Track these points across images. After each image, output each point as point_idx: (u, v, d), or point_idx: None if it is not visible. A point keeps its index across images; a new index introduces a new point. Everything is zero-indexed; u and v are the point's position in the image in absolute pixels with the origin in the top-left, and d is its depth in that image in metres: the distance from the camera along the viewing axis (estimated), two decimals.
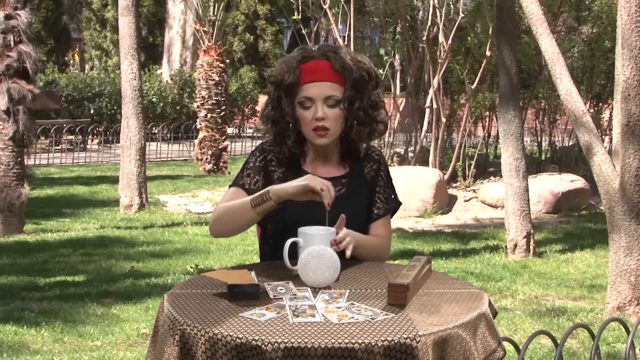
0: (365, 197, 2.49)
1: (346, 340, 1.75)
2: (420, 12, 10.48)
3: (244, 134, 18.59)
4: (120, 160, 9.12)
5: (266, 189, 2.28)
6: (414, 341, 1.77)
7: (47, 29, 24.27)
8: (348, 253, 2.27)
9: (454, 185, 10.08)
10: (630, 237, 4.92)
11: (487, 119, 11.89)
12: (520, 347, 2.82)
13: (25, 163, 7.79)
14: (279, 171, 2.45)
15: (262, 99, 18.41)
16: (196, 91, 13.35)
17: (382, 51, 10.51)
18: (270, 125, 2.45)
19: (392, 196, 2.56)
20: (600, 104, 11.82)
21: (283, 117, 2.41)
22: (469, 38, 10.16)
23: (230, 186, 2.47)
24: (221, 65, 12.94)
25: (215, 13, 12.81)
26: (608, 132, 10.93)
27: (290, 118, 2.40)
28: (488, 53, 9.64)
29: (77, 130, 15.44)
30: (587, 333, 3.39)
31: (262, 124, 2.49)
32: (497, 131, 8.83)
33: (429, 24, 9.76)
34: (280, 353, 1.73)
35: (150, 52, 24.28)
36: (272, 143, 2.48)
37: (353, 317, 1.89)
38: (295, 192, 2.24)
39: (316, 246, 2.15)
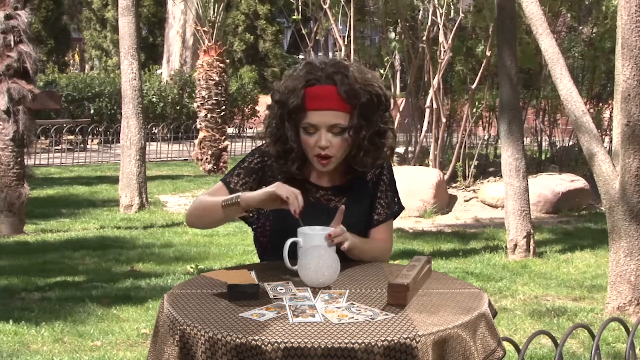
0: (366, 206, 2.45)
1: (346, 340, 1.75)
2: (420, 12, 10.47)
3: (244, 134, 18.59)
4: (120, 160, 9.12)
5: (237, 194, 2.26)
6: (414, 341, 1.77)
7: (47, 29, 24.28)
8: (345, 245, 2.24)
9: (454, 185, 10.07)
10: (630, 237, 4.92)
11: (487, 119, 11.89)
12: (520, 347, 2.82)
13: (25, 163, 7.79)
14: (279, 178, 2.37)
15: (262, 99, 18.42)
16: (196, 91, 13.36)
17: (382, 51, 10.51)
18: (274, 144, 2.38)
19: (395, 199, 2.51)
20: (600, 104, 11.82)
21: (286, 139, 2.34)
22: (472, 38, 10.16)
23: (220, 180, 2.44)
24: (221, 65, 12.94)
25: (215, 13, 12.81)
26: (608, 132, 10.93)
27: (294, 143, 2.32)
28: (488, 53, 9.64)
29: (77, 130, 15.44)
30: (587, 333, 3.39)
31: (267, 138, 2.40)
32: (497, 131, 8.83)
33: (429, 24, 9.76)
34: (280, 353, 1.73)
35: (150, 52, 24.29)
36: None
37: (353, 317, 1.89)
38: (262, 199, 2.22)
39: (316, 246, 2.15)
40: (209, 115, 12.86)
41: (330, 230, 2.23)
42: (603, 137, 10.39)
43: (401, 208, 2.54)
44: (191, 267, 6.18)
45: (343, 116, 2.29)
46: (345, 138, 2.30)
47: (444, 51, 9.67)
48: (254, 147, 2.52)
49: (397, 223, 8.25)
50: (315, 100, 2.28)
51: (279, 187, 2.20)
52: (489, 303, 2.09)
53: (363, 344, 1.74)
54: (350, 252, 2.31)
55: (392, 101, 2.55)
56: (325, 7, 9.83)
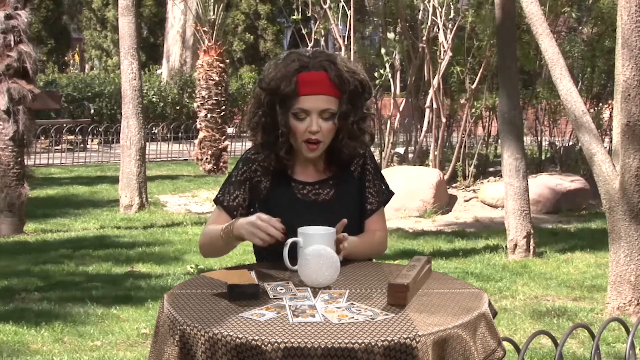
0: (355, 196, 2.47)
1: (346, 340, 1.75)
2: (420, 12, 10.47)
3: (244, 134, 18.57)
4: (120, 160, 9.12)
5: (232, 222, 2.30)
6: (414, 341, 1.77)
7: (47, 29, 24.27)
8: (340, 256, 2.26)
9: (454, 185, 10.08)
10: (630, 237, 4.91)
11: (487, 119, 11.88)
12: (520, 347, 2.82)
13: (25, 163, 7.79)
14: (265, 181, 2.42)
15: None
16: (196, 91, 13.36)
17: (382, 51, 10.51)
18: (261, 133, 2.40)
19: (383, 187, 2.54)
20: (600, 104, 11.81)
21: (276, 125, 2.36)
22: (471, 38, 10.15)
23: (214, 200, 2.49)
24: (221, 65, 12.94)
25: (215, 13, 12.81)
26: (608, 132, 10.92)
27: (285, 127, 2.35)
28: (488, 53, 9.64)
29: (77, 130, 15.44)
30: (587, 333, 3.39)
31: (251, 130, 2.43)
32: (497, 131, 8.83)
33: (429, 23, 9.76)
34: (280, 353, 1.73)
35: (150, 52, 24.28)
36: (257, 151, 2.44)
37: (353, 317, 1.89)
38: (247, 238, 2.27)
39: (316, 246, 2.15)
40: (209, 115, 12.86)
41: (331, 230, 2.24)
42: (603, 137, 10.39)
43: (391, 193, 2.56)
44: (191, 267, 6.18)
45: (334, 101, 2.34)
46: (334, 123, 2.35)
47: (444, 51, 9.67)
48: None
49: (397, 223, 8.26)
50: (308, 86, 2.32)
51: (250, 235, 2.23)
52: (489, 303, 2.09)
53: (363, 344, 1.74)
54: (351, 255, 2.34)
55: (372, 90, 2.63)
56: (325, 7, 9.82)
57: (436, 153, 10.06)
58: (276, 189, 2.41)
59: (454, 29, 9.62)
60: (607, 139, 10.72)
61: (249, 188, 2.43)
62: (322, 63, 2.34)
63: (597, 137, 5.22)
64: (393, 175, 9.01)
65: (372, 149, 11.04)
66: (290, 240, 2.22)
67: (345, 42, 9.90)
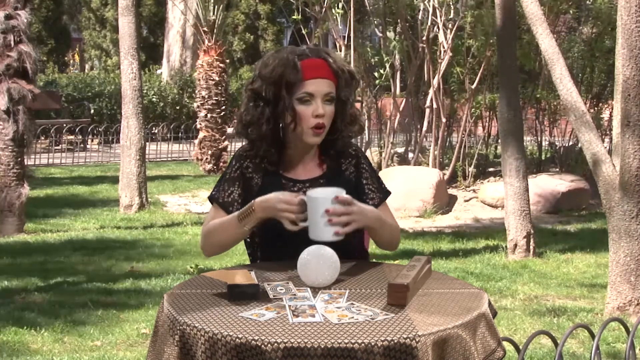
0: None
1: (346, 340, 1.75)
2: (420, 12, 10.47)
3: None
4: (120, 160, 9.12)
5: (251, 203, 2.31)
6: (414, 341, 1.77)
7: (47, 29, 24.26)
8: (344, 229, 2.23)
9: (454, 185, 10.07)
10: (630, 237, 4.91)
11: (487, 119, 11.87)
12: (520, 347, 2.82)
13: (25, 163, 7.79)
14: (256, 178, 2.46)
15: None
16: (196, 91, 13.35)
17: (382, 51, 10.50)
18: (265, 125, 2.42)
19: (381, 185, 2.57)
20: (600, 104, 11.81)
21: (276, 117, 2.40)
22: (471, 37, 10.15)
23: (209, 198, 2.53)
24: (221, 65, 12.93)
25: (215, 13, 12.80)
26: (608, 132, 10.91)
27: (292, 112, 2.37)
28: (488, 53, 9.63)
29: (77, 130, 15.43)
30: (587, 333, 3.39)
31: (250, 125, 2.44)
32: (497, 131, 8.83)
33: (429, 23, 9.76)
34: (280, 353, 1.74)
35: (150, 52, 24.26)
36: (250, 148, 2.49)
37: (353, 317, 1.89)
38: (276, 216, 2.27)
39: (316, 246, 2.15)
40: (209, 115, 12.86)
41: (340, 190, 2.25)
42: (603, 137, 10.38)
43: (388, 192, 2.59)
44: (191, 267, 6.18)
45: (333, 86, 2.41)
46: (334, 107, 2.41)
47: (444, 51, 9.67)
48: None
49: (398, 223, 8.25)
50: (311, 70, 2.38)
51: (281, 212, 2.25)
52: (489, 303, 2.09)
53: (363, 344, 1.74)
54: (374, 231, 2.40)
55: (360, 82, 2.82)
56: (324, 7, 9.82)
57: (436, 153, 10.06)
58: (267, 187, 2.42)
59: (454, 29, 9.61)
60: (607, 139, 10.72)
61: (243, 183, 2.47)
62: (318, 53, 2.43)
63: (597, 137, 5.22)
64: (393, 175, 9.01)
65: (373, 148, 10.94)
66: (300, 198, 2.24)
67: (345, 42, 9.90)
